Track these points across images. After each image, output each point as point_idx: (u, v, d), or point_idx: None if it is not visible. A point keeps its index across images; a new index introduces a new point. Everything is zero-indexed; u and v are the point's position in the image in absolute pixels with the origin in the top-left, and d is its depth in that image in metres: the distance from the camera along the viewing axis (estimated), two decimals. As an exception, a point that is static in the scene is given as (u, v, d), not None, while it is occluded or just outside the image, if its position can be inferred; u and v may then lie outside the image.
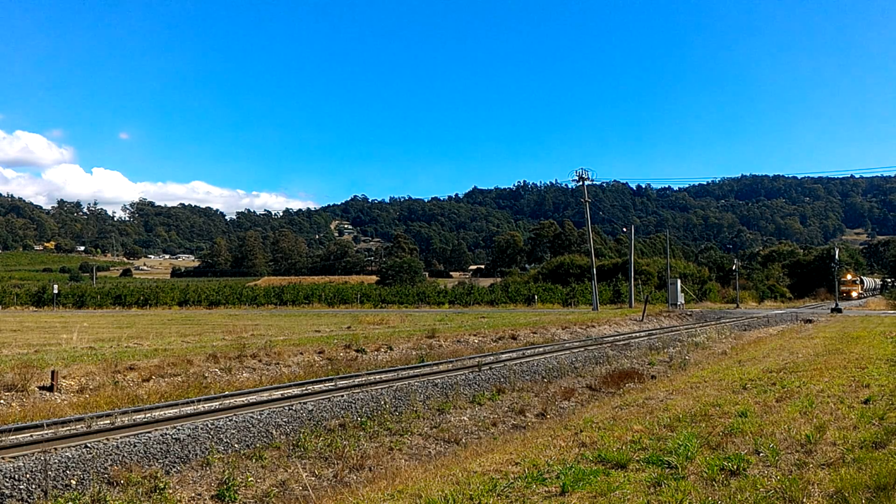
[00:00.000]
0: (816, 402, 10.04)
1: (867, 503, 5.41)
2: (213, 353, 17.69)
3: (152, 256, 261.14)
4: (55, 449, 8.91)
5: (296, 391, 14.16)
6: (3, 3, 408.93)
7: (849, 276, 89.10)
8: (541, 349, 23.29)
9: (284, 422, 11.13)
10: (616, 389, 15.37)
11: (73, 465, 8.44)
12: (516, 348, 23.87)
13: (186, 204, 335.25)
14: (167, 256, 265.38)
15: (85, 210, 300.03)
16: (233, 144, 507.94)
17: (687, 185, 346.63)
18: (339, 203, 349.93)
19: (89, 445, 9.09)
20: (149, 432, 9.94)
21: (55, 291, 69.09)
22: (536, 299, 69.20)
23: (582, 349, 22.76)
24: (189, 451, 9.43)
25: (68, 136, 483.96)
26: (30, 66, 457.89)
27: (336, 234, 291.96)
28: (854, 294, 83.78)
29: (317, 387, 14.82)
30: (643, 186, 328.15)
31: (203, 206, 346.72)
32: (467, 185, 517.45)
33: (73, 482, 8.12)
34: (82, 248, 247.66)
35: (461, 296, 72.34)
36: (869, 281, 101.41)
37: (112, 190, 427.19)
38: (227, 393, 13.96)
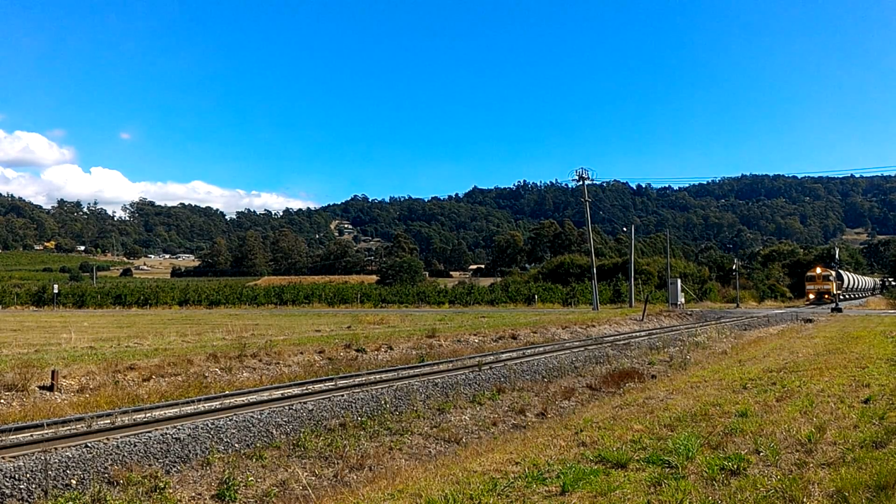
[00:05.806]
0: (817, 402, 10.04)
1: (867, 503, 5.41)
2: (213, 353, 17.69)
3: (152, 256, 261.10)
4: (55, 448, 8.91)
5: (296, 391, 14.16)
6: (3, 4, 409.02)
7: (818, 270, 70.89)
8: (541, 349, 23.29)
9: (285, 421, 11.13)
10: (616, 389, 15.37)
11: (74, 464, 8.44)
12: (516, 348, 23.87)
13: (186, 204, 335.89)
14: (167, 256, 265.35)
15: (85, 210, 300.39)
16: (233, 144, 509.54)
17: (687, 185, 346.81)
18: (339, 203, 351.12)
19: (89, 445, 9.08)
20: (149, 432, 9.94)
21: (55, 291, 69.13)
22: (536, 299, 69.21)
23: (582, 349, 22.75)
24: (189, 451, 9.43)
25: (68, 136, 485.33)
26: (30, 66, 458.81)
27: (336, 234, 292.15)
28: (826, 296, 66.11)
29: (317, 386, 14.83)
30: (643, 186, 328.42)
31: (203, 205, 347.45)
32: (467, 185, 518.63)
33: (74, 482, 8.12)
34: (82, 247, 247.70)
35: (461, 295, 72.38)
36: (852, 278, 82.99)
37: (112, 190, 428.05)
38: (227, 392, 13.97)
